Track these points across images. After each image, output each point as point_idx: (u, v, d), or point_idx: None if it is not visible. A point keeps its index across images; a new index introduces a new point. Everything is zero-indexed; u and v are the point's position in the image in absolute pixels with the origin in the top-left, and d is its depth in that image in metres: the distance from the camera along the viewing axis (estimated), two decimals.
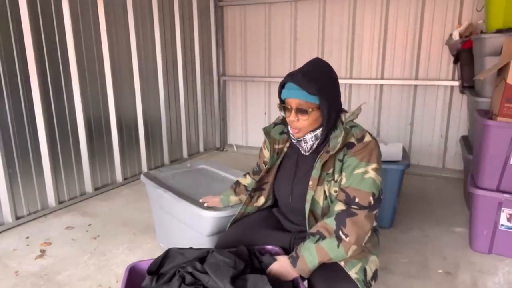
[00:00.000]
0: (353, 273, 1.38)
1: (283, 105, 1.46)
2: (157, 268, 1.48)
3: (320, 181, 1.45)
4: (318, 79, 1.40)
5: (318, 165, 1.45)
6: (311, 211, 1.48)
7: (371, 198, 1.38)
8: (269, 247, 1.54)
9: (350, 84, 4.30)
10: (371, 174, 1.40)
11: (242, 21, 4.78)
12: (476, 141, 2.63)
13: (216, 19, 4.82)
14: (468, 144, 3.24)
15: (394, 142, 2.79)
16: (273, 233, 1.62)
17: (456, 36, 3.53)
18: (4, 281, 2.16)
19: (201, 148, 4.94)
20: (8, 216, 2.79)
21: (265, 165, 1.62)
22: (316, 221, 1.48)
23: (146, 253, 2.46)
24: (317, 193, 1.46)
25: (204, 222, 1.92)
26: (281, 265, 1.41)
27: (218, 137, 5.17)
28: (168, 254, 1.52)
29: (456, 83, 3.77)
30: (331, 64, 1.52)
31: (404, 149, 2.82)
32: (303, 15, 4.42)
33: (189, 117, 4.63)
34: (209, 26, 4.79)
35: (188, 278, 1.36)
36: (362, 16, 4.13)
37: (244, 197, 1.84)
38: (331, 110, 1.43)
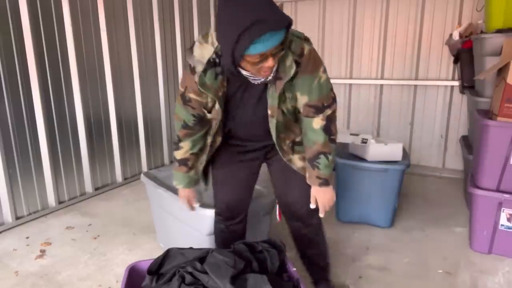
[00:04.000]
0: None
1: (245, 60, 1.27)
2: (157, 268, 1.48)
3: (277, 105, 1.51)
4: (277, 10, 1.22)
5: (274, 95, 1.47)
6: (276, 129, 1.58)
7: (332, 93, 1.56)
8: (293, 269, 1.59)
9: (350, 84, 4.30)
10: (323, 76, 1.51)
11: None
12: (476, 141, 2.63)
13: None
14: (468, 144, 3.24)
15: (394, 141, 2.77)
16: (249, 165, 1.77)
17: (456, 36, 3.53)
18: (4, 281, 2.16)
19: None
20: (8, 216, 2.79)
21: (208, 110, 1.57)
22: (279, 133, 1.61)
23: (146, 253, 2.46)
24: (276, 116, 1.53)
25: (204, 221, 1.92)
26: (327, 194, 1.64)
27: None
28: (168, 254, 1.52)
29: (456, 83, 3.77)
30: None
31: (404, 149, 2.81)
32: (303, 15, 4.41)
33: None
34: (209, 26, 4.78)
35: (188, 278, 1.36)
36: (362, 16, 4.13)
37: (198, 163, 1.76)
38: (288, 39, 1.35)
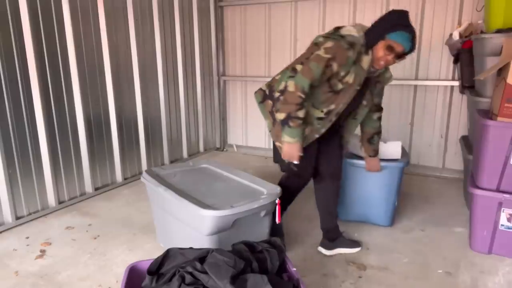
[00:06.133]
0: None
1: (385, 43, 1.94)
2: (157, 268, 1.48)
3: (369, 101, 2.28)
4: (416, 38, 1.98)
5: (374, 92, 2.26)
6: (360, 117, 2.34)
7: None
8: (293, 269, 1.61)
9: None
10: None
11: (242, 21, 4.78)
12: (476, 141, 2.63)
13: (216, 19, 4.82)
14: (468, 144, 3.24)
15: (393, 140, 2.78)
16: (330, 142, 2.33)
17: (456, 36, 3.53)
18: (4, 281, 2.16)
19: (201, 148, 4.94)
20: (8, 216, 2.79)
21: (339, 80, 2.00)
22: (355, 119, 2.33)
23: (146, 253, 2.46)
24: (366, 107, 2.28)
25: (204, 221, 1.92)
26: (376, 161, 2.56)
27: (218, 137, 5.17)
28: (168, 254, 1.53)
29: (456, 83, 3.77)
30: None
31: (403, 148, 2.81)
32: (303, 15, 4.41)
33: (189, 117, 4.63)
34: (209, 26, 4.79)
35: (188, 278, 1.36)
36: (362, 16, 4.13)
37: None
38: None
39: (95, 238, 2.66)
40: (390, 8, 4.00)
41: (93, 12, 3.31)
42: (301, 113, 1.98)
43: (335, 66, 1.94)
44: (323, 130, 2.15)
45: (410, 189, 3.60)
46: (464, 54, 3.38)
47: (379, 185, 2.70)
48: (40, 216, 2.99)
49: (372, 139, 2.46)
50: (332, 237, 2.46)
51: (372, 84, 2.19)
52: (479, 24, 3.51)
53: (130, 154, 3.87)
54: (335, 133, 2.32)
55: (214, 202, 1.98)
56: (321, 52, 1.95)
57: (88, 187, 3.42)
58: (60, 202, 3.16)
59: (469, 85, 3.39)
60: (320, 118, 2.10)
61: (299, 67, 1.98)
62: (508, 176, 2.27)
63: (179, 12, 4.24)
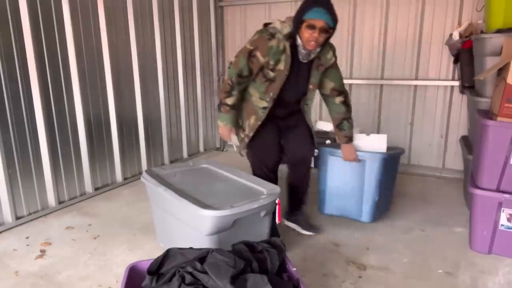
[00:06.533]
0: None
1: (305, 24, 2.09)
2: (157, 268, 1.48)
3: (315, 84, 2.38)
4: (334, 9, 2.09)
5: (317, 75, 2.34)
6: (309, 101, 2.47)
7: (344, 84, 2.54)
8: (293, 269, 1.61)
9: (350, 84, 4.30)
10: (341, 73, 2.48)
11: (242, 21, 4.78)
12: (476, 141, 2.63)
13: (216, 19, 4.82)
14: (468, 144, 3.24)
15: (393, 142, 2.77)
16: (274, 129, 2.44)
17: (456, 36, 3.53)
18: (4, 281, 2.16)
19: (201, 148, 4.94)
20: (8, 216, 2.79)
21: (270, 70, 2.22)
22: (305, 104, 2.45)
23: (146, 253, 2.46)
24: (313, 91, 2.41)
25: (204, 221, 1.92)
26: (350, 149, 2.56)
27: (218, 137, 5.17)
28: (168, 254, 1.53)
29: (456, 83, 3.77)
30: None
31: (400, 147, 2.80)
32: None
33: (189, 117, 4.63)
34: (209, 26, 4.79)
35: (188, 278, 1.36)
36: (362, 16, 4.13)
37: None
38: (333, 34, 2.18)
39: (95, 238, 2.66)
40: (390, 8, 4.04)
41: (93, 12, 3.31)
42: (229, 101, 2.32)
43: (259, 56, 2.19)
44: (264, 117, 2.37)
45: (410, 189, 3.61)
46: (464, 54, 3.38)
47: (358, 177, 2.64)
48: (40, 216, 2.99)
49: (341, 124, 2.50)
50: (295, 211, 2.65)
51: (314, 67, 2.31)
52: (479, 24, 3.51)
53: (130, 154, 3.87)
54: (300, 121, 2.48)
55: (214, 202, 1.98)
56: (247, 44, 2.23)
57: (88, 187, 3.42)
58: (60, 202, 3.16)
59: (469, 85, 3.39)
60: (264, 108, 2.35)
61: (233, 59, 2.30)
62: (508, 176, 2.27)
63: (179, 12, 4.24)
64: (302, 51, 2.20)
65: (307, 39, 2.12)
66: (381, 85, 4.18)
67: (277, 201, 2.11)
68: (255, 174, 2.46)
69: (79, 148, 3.31)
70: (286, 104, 2.41)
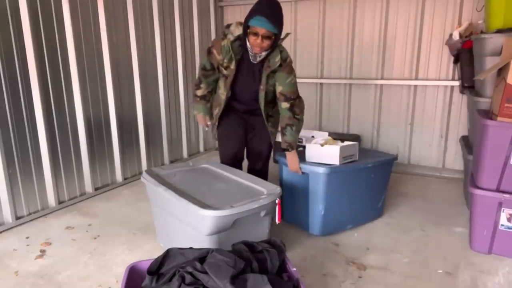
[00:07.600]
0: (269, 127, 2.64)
1: (249, 30, 2.22)
2: (157, 268, 1.48)
3: (264, 85, 2.45)
4: (278, 16, 2.22)
5: (264, 76, 2.42)
6: (264, 99, 2.50)
7: (297, 92, 2.53)
8: (293, 269, 1.61)
9: (350, 84, 4.30)
10: (293, 80, 2.47)
11: (242, 21, 4.77)
12: (476, 141, 2.63)
13: (216, 19, 4.82)
14: (468, 144, 3.24)
15: (348, 143, 2.61)
16: (238, 121, 2.66)
17: (456, 36, 3.53)
18: (4, 281, 2.16)
19: (201, 148, 4.94)
20: (8, 216, 2.79)
21: (224, 67, 2.43)
22: (264, 103, 2.50)
23: (146, 253, 2.46)
24: (264, 91, 2.46)
25: (204, 221, 1.92)
26: (292, 158, 2.54)
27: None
28: (168, 254, 1.53)
29: (456, 83, 3.77)
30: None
31: (388, 146, 2.72)
32: (303, 15, 4.42)
33: (189, 117, 4.63)
34: (209, 26, 4.79)
35: (188, 278, 1.36)
36: (362, 16, 4.14)
37: (209, 104, 2.73)
38: (279, 39, 2.32)
39: (95, 238, 2.66)
40: (390, 8, 4.04)
41: (93, 12, 3.31)
42: (198, 92, 2.65)
43: (215, 53, 2.41)
44: (223, 108, 2.58)
45: (410, 189, 3.61)
46: (464, 54, 3.38)
47: (307, 191, 2.54)
48: (40, 216, 2.99)
49: (285, 129, 2.51)
50: None
51: (264, 69, 2.40)
52: (479, 24, 3.51)
53: (130, 154, 3.87)
54: (259, 123, 2.63)
55: (214, 202, 1.98)
56: (210, 42, 2.46)
57: (88, 187, 3.42)
58: (60, 202, 3.16)
59: (469, 85, 3.39)
60: (226, 101, 2.55)
61: None
62: (508, 176, 2.27)
63: (179, 12, 4.24)
64: (250, 53, 2.35)
65: (252, 44, 2.26)
66: (381, 85, 4.18)
67: (277, 201, 2.11)
68: (222, 162, 2.72)
69: (79, 148, 3.31)
70: (244, 101, 2.59)
